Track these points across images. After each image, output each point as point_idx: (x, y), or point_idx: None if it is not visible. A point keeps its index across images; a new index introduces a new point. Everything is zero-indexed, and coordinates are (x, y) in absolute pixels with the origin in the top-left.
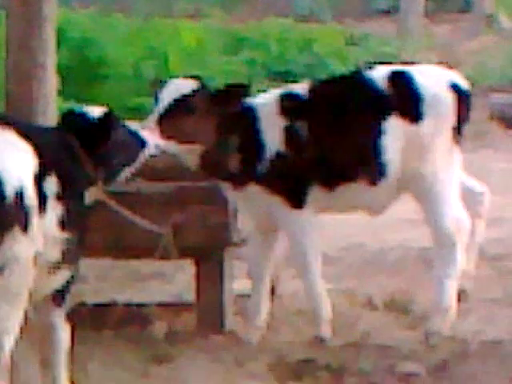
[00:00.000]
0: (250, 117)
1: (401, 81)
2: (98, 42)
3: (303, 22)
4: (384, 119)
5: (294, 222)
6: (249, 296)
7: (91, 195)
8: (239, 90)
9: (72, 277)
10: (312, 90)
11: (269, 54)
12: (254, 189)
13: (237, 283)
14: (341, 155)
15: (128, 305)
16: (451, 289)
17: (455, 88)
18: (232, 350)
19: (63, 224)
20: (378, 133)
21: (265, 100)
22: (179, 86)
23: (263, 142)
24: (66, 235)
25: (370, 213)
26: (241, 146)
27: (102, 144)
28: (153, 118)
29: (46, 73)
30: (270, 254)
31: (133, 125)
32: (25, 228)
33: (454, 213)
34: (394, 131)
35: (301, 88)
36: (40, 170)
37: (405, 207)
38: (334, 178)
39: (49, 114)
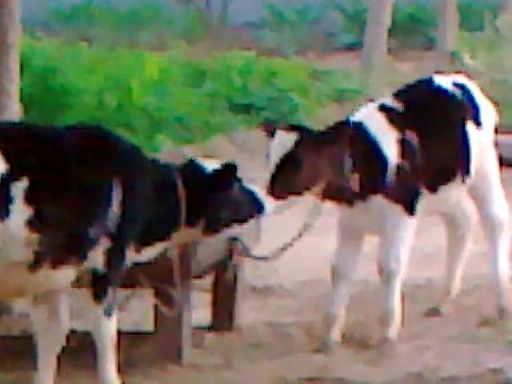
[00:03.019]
0: (362, 134)
1: (464, 90)
2: (61, 70)
3: (267, 55)
4: (466, 123)
5: (404, 228)
6: (208, 328)
7: (177, 237)
8: (343, 128)
9: (106, 275)
10: (403, 101)
11: (232, 87)
12: (376, 201)
13: (195, 315)
14: (444, 158)
15: (85, 333)
16: (506, 264)
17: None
18: (189, 382)
19: (32, 225)
20: (464, 134)
21: (368, 116)
22: (282, 141)
23: (383, 156)
24: (36, 236)
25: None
26: (359, 163)
27: (210, 197)
28: (266, 182)
29: (9, 100)
30: (356, 259)
31: (255, 188)
32: None
33: (502, 200)
34: (471, 133)
35: (389, 101)
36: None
37: (365, 243)
38: (437, 180)
39: None
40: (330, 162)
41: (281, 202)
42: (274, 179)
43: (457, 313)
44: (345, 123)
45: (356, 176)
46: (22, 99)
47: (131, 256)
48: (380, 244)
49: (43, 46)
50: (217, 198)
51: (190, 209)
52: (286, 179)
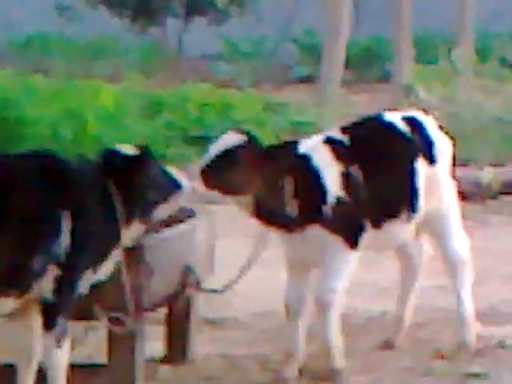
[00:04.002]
0: (305, 164)
1: (416, 125)
2: (16, 101)
3: (222, 87)
4: (414, 160)
5: (342, 261)
6: (161, 361)
7: (128, 236)
8: (290, 147)
9: (56, 304)
10: (350, 135)
11: (187, 119)
12: (314, 231)
13: (148, 347)
14: (387, 194)
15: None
16: (468, 299)
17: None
18: None
19: None
20: (412, 172)
21: (314, 148)
22: (227, 140)
23: (324, 187)
24: None
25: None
26: (300, 191)
27: (134, 180)
28: (198, 167)
29: None
30: (307, 292)
31: (171, 169)
32: None
33: (462, 236)
34: (420, 171)
35: (336, 134)
36: None
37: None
38: (382, 216)
39: None
40: (265, 178)
41: (204, 190)
42: (206, 167)
43: (411, 345)
44: (293, 143)
45: (295, 202)
46: None
47: (89, 278)
48: (318, 275)
49: None
50: (142, 183)
51: (125, 206)
52: (217, 172)
